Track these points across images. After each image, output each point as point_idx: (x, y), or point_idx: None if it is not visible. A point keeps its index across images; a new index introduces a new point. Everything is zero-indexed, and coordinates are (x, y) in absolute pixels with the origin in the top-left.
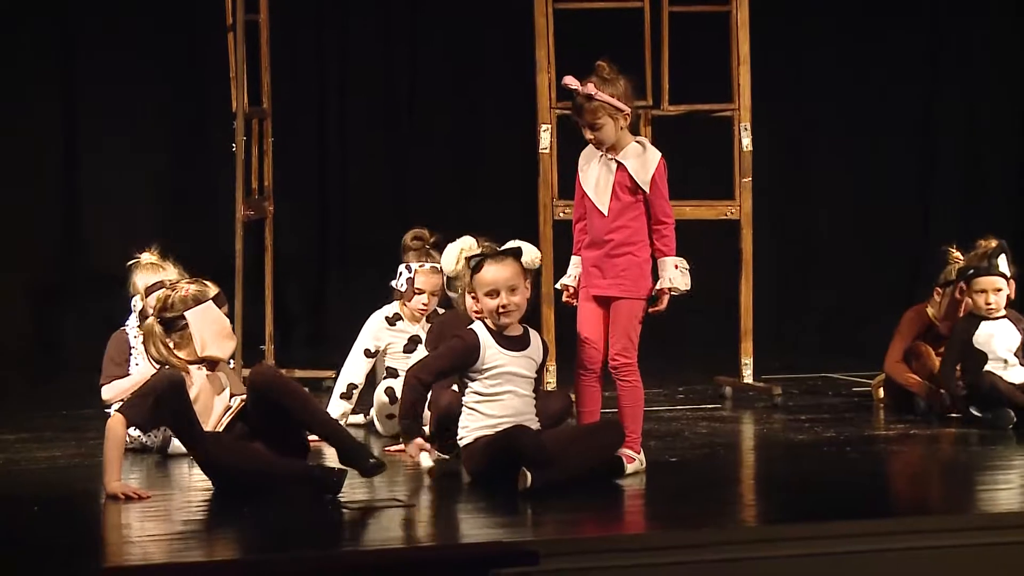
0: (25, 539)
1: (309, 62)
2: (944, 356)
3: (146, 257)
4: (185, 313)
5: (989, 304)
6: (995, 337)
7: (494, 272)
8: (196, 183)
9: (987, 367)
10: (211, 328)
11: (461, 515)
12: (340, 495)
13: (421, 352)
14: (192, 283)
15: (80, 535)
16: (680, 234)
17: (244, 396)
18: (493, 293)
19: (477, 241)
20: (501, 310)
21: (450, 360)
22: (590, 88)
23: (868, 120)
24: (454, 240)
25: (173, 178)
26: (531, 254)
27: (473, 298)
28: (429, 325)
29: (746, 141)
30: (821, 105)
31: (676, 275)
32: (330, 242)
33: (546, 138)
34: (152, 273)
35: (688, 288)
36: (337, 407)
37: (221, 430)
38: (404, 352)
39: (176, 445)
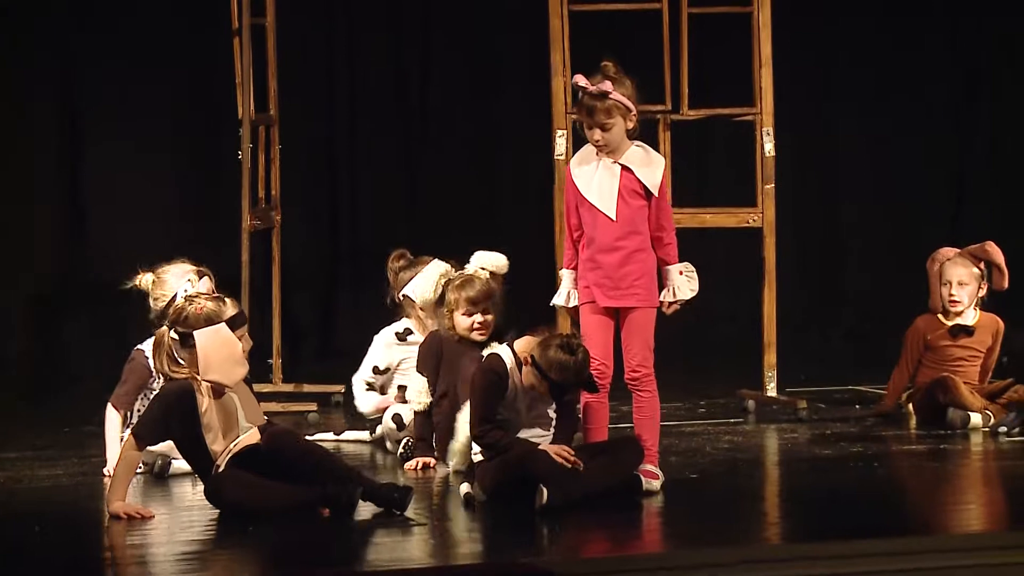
0: (27, 559)
1: (317, 67)
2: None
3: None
4: (194, 332)
5: None
6: None
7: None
8: (201, 192)
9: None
10: (219, 352)
11: (475, 534)
12: (352, 512)
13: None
14: (211, 300)
15: (83, 555)
16: (701, 242)
17: (258, 428)
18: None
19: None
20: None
21: (487, 397)
22: (606, 86)
23: (897, 124)
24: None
25: (177, 187)
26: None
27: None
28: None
29: (768, 146)
30: (848, 108)
31: (682, 283)
32: (340, 253)
33: (561, 144)
34: (187, 264)
35: (695, 292)
36: (367, 402)
37: (228, 457)
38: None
39: (177, 466)
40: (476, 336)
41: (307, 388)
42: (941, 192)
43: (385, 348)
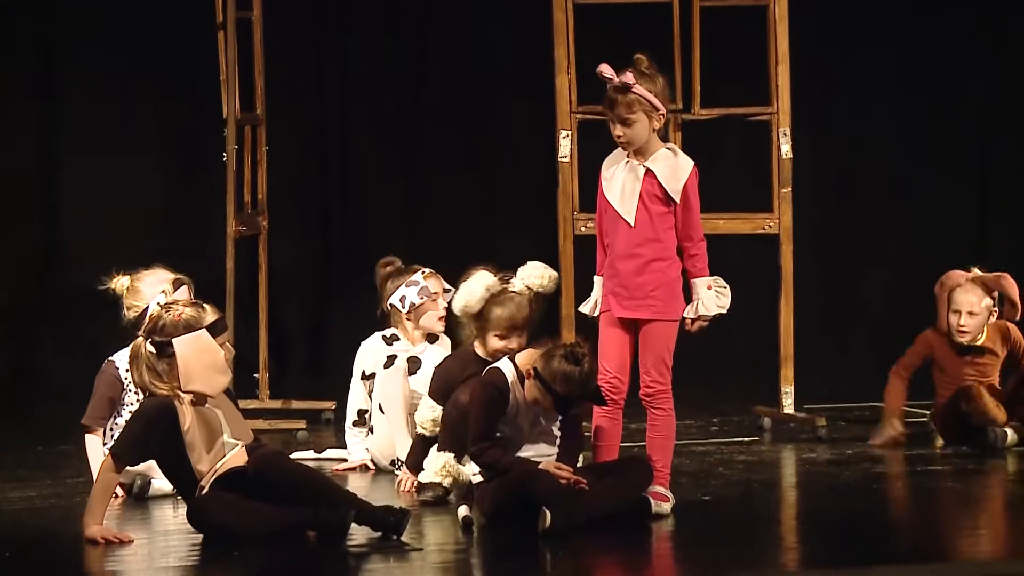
0: None
1: (307, 63)
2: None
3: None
4: (173, 340)
5: None
6: None
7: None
8: (184, 196)
9: None
10: (200, 360)
11: (473, 559)
12: (344, 537)
13: (422, 376)
14: (189, 306)
15: None
16: (713, 250)
17: (245, 447)
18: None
19: (494, 274)
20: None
21: (486, 413)
22: (628, 77)
23: (920, 124)
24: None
25: (159, 190)
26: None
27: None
28: (434, 366)
29: (785, 148)
30: (868, 107)
31: (709, 297)
32: (331, 260)
33: (566, 145)
34: (164, 272)
35: (724, 310)
36: (353, 438)
37: (212, 479)
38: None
39: (157, 487)
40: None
41: (296, 404)
42: (966, 196)
43: (373, 352)
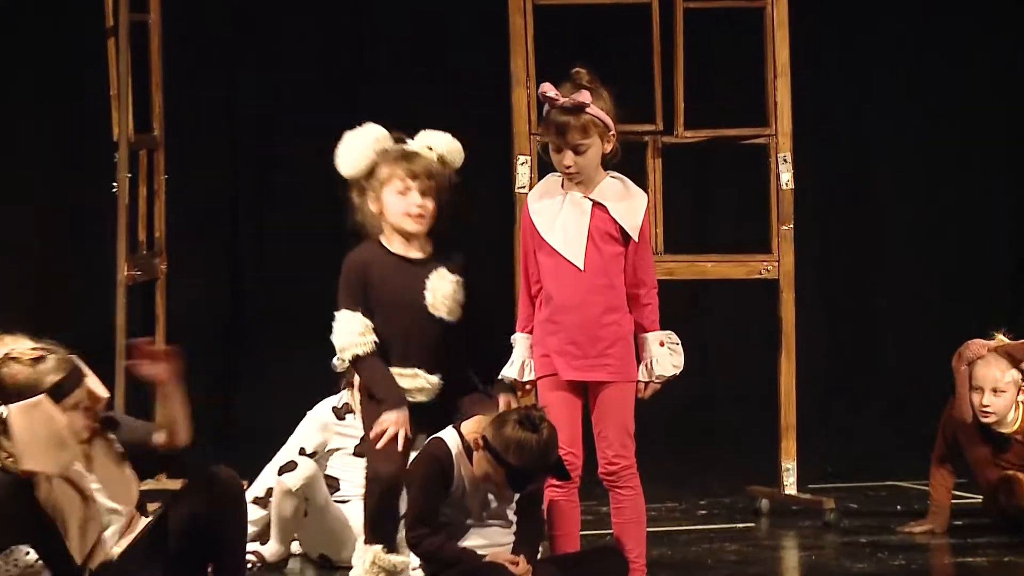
0: None
1: (217, 75)
2: None
3: None
4: (6, 407)
5: None
6: None
7: None
8: (65, 234)
9: None
10: (37, 433)
11: None
12: None
13: None
14: (26, 363)
15: None
16: (700, 298)
17: (156, 510)
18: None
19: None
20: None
21: (425, 493)
22: (583, 96)
23: (946, 150)
24: None
25: (34, 227)
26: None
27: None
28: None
29: (786, 177)
30: (885, 129)
31: (663, 355)
32: (243, 311)
33: (524, 173)
34: (25, 342)
35: (679, 370)
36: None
37: (120, 555)
38: (354, 456)
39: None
40: (411, 225)
41: None
42: (1000, 234)
43: (318, 426)
